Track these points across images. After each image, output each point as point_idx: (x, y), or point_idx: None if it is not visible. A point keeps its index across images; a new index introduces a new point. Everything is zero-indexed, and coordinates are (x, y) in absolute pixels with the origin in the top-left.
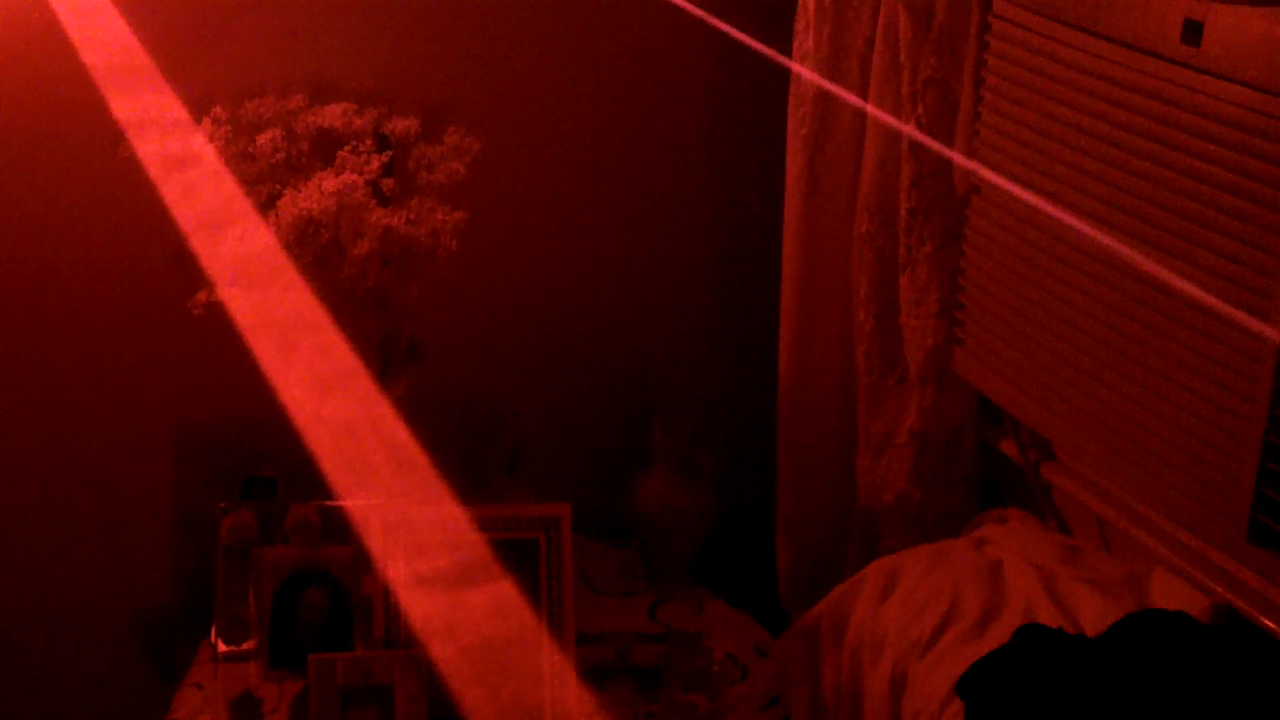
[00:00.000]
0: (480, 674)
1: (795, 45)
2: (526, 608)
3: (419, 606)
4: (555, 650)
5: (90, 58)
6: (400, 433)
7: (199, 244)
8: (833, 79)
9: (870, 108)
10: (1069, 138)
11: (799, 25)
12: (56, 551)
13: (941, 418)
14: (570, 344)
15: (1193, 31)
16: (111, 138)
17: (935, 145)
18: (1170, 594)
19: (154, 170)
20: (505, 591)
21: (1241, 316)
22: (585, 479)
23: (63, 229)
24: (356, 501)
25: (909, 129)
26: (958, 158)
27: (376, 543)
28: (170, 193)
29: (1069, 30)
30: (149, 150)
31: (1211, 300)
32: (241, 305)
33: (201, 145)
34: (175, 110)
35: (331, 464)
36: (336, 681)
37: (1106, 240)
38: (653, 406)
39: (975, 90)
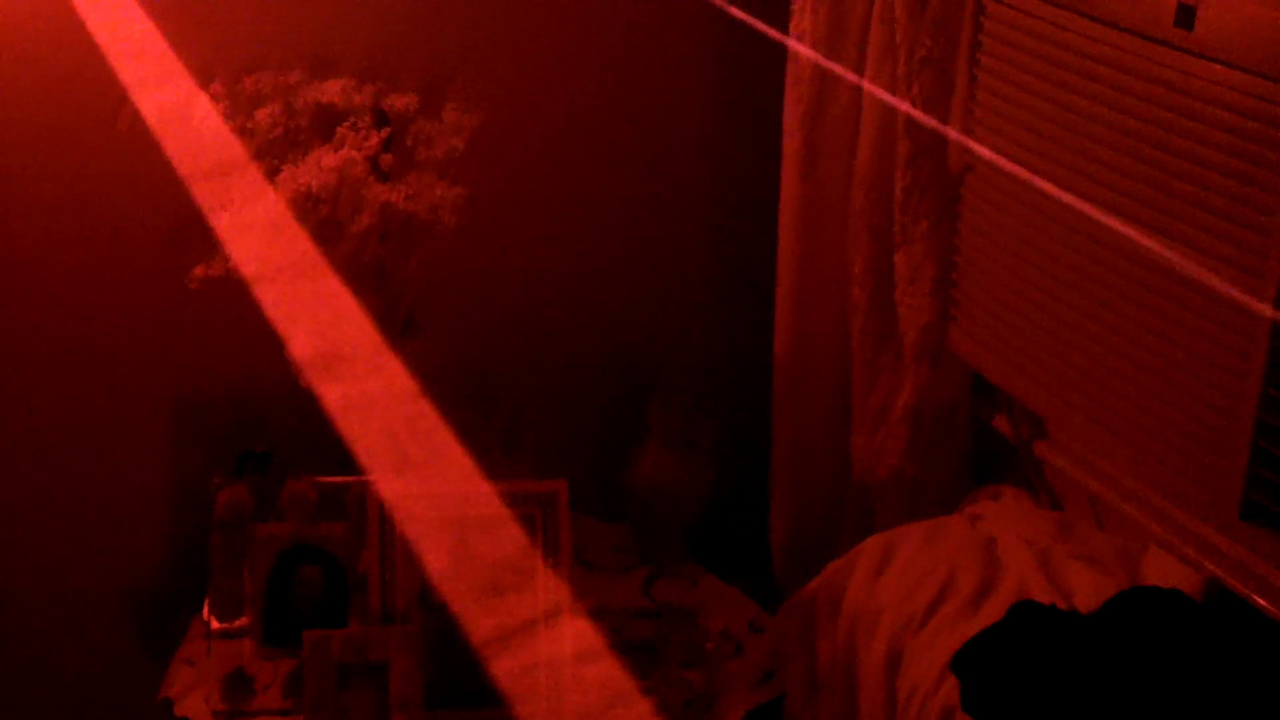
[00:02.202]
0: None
1: (792, 24)
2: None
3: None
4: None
5: (91, 30)
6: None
7: (202, 215)
8: (829, 58)
9: (866, 84)
10: (1062, 119)
11: (796, 4)
12: (49, 527)
13: (936, 394)
14: (566, 320)
15: (1186, 15)
16: (109, 111)
17: (931, 122)
18: (1162, 571)
19: (153, 142)
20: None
21: (1235, 294)
22: (581, 455)
23: (58, 203)
24: (352, 477)
25: (905, 107)
26: (953, 133)
27: (373, 518)
28: (172, 163)
29: (1063, 12)
30: (148, 122)
31: (1205, 276)
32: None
33: (202, 118)
34: (176, 83)
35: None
36: (332, 658)
37: (1100, 219)
38: (648, 383)
39: (970, 70)
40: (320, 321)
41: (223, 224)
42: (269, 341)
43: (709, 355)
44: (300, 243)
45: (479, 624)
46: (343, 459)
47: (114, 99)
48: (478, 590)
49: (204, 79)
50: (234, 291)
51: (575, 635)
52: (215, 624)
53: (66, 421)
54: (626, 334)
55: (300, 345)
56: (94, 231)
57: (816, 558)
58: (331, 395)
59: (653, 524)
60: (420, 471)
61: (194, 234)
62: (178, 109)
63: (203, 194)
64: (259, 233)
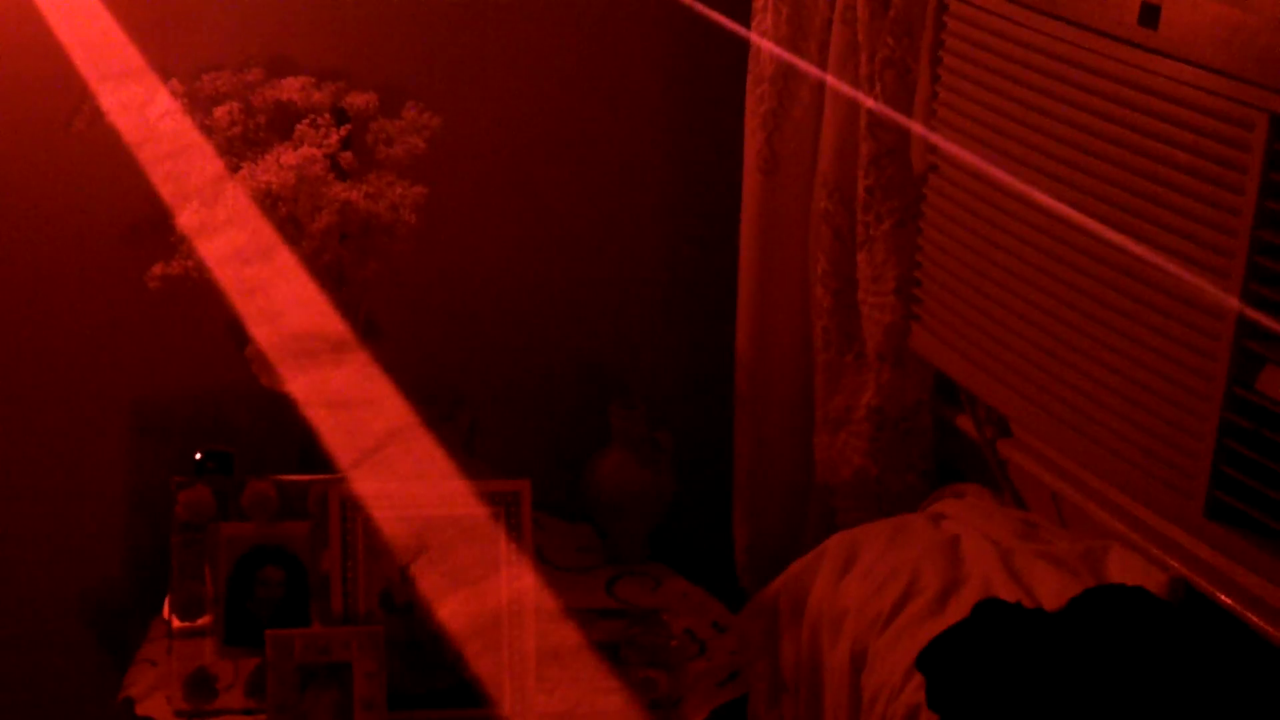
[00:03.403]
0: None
1: (754, 24)
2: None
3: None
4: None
5: (49, 27)
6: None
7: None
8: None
9: (830, 79)
10: (1026, 118)
11: (758, 4)
12: (6, 528)
13: (899, 394)
14: (528, 321)
15: (1150, 14)
16: (64, 111)
17: (895, 116)
18: (1128, 570)
19: (111, 141)
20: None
21: (1201, 291)
22: (543, 458)
23: (14, 202)
24: (313, 476)
25: (868, 105)
26: (916, 128)
27: (334, 518)
28: (131, 161)
29: (1026, 12)
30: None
31: (1171, 274)
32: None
33: (159, 117)
34: (134, 81)
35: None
36: (294, 658)
37: (1064, 218)
38: (610, 385)
39: (932, 70)
40: (285, 317)
41: (183, 221)
42: (228, 340)
43: (671, 356)
44: (262, 239)
45: (442, 623)
46: (303, 458)
47: (70, 97)
48: (441, 589)
49: (162, 77)
50: (193, 290)
51: (540, 634)
52: (177, 624)
53: (23, 422)
54: (588, 335)
55: (265, 339)
56: (51, 230)
57: (779, 558)
58: (298, 390)
59: (616, 526)
60: (385, 470)
61: (152, 232)
62: (136, 107)
63: (161, 192)
64: (220, 230)
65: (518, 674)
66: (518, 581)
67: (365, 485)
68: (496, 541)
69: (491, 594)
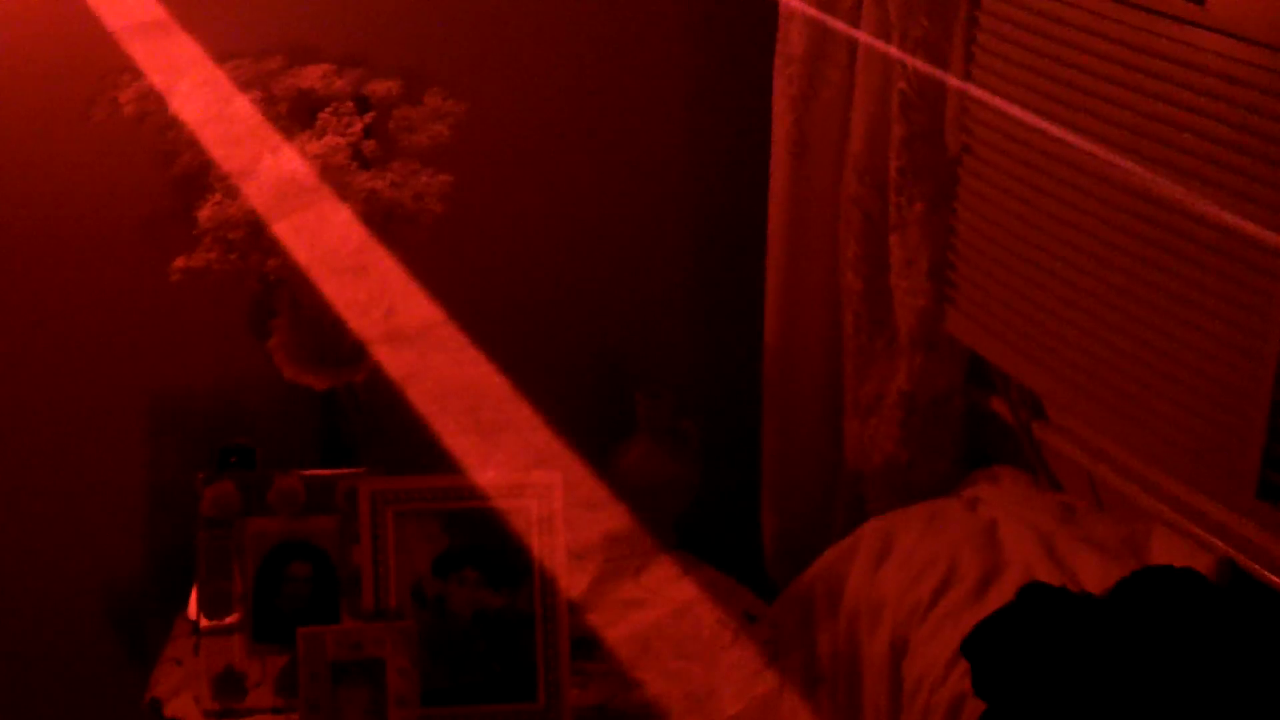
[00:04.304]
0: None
1: (782, 4)
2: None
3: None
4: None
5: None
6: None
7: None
8: (821, 39)
9: (865, 42)
10: (1067, 98)
11: None
12: (28, 526)
13: (931, 379)
14: (552, 309)
15: None
16: (83, 101)
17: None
18: (1170, 553)
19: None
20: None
21: (1250, 265)
22: (569, 447)
23: (32, 195)
24: (340, 470)
25: (900, 87)
26: (950, 110)
27: (364, 513)
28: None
29: None
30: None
31: (1221, 245)
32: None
33: (181, 104)
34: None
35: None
36: (326, 655)
37: (1102, 196)
38: (636, 373)
39: (966, 50)
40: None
41: (204, 215)
42: (249, 334)
43: (697, 344)
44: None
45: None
46: (326, 452)
47: (88, 88)
48: (474, 582)
49: (184, 64)
50: (214, 284)
51: (571, 627)
52: (204, 622)
53: (44, 418)
54: (614, 324)
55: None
56: (71, 223)
57: (808, 548)
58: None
59: (642, 516)
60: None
61: (172, 224)
62: (158, 98)
63: (184, 184)
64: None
65: (552, 668)
66: (549, 573)
67: (395, 479)
68: (528, 533)
69: (524, 586)
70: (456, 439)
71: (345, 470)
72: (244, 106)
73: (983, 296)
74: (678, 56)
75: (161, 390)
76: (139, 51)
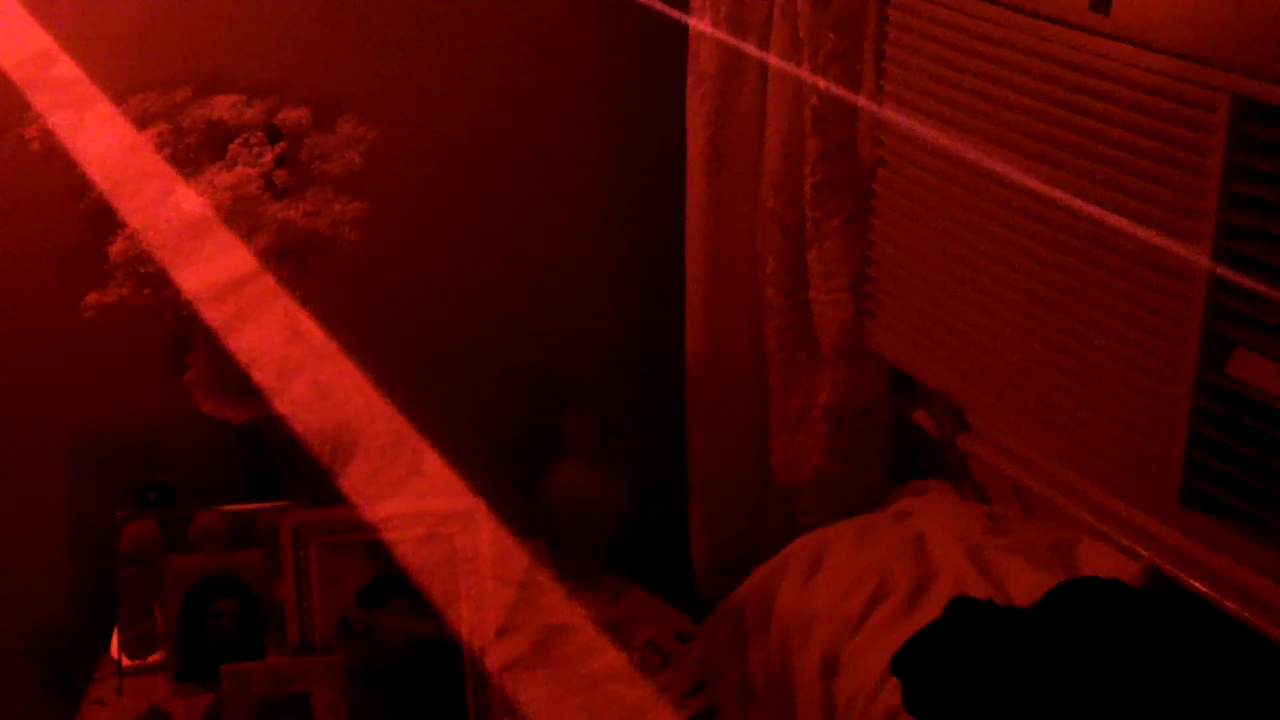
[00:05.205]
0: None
1: (692, 22)
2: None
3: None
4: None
5: None
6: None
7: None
8: (732, 56)
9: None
10: (977, 108)
11: (695, 3)
12: None
13: (855, 391)
14: (475, 330)
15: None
16: None
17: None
18: (1098, 561)
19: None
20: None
21: (1165, 275)
22: (494, 472)
23: None
24: (262, 505)
25: (813, 102)
26: (863, 122)
27: (286, 547)
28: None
29: (972, 1)
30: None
31: (1136, 255)
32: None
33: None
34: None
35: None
36: (252, 692)
37: (1022, 206)
38: (562, 394)
39: (877, 63)
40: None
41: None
42: (167, 369)
43: (623, 364)
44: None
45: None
46: (247, 487)
47: None
48: (403, 611)
49: (89, 99)
50: (129, 319)
51: (501, 653)
52: (126, 661)
53: None
54: (537, 343)
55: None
56: None
57: (739, 565)
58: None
59: (571, 538)
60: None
61: (86, 260)
62: (65, 131)
63: (95, 219)
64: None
65: (481, 695)
66: (476, 601)
67: (317, 511)
68: (451, 561)
69: (451, 614)
70: (380, 468)
71: (268, 504)
72: (151, 140)
73: (902, 309)
74: (592, 76)
75: (80, 427)
76: (43, 87)
